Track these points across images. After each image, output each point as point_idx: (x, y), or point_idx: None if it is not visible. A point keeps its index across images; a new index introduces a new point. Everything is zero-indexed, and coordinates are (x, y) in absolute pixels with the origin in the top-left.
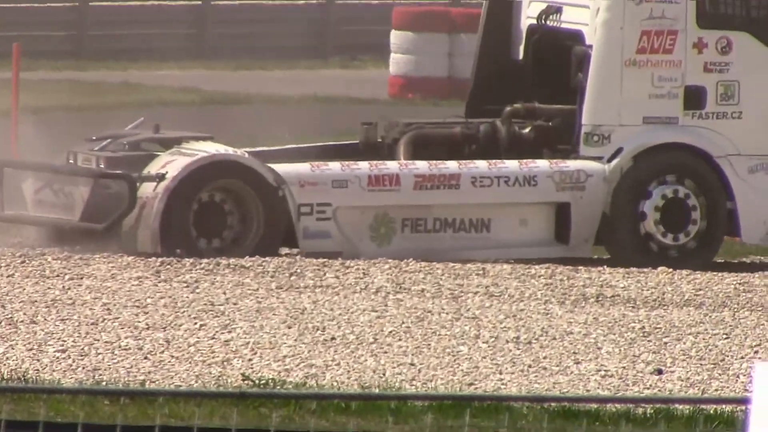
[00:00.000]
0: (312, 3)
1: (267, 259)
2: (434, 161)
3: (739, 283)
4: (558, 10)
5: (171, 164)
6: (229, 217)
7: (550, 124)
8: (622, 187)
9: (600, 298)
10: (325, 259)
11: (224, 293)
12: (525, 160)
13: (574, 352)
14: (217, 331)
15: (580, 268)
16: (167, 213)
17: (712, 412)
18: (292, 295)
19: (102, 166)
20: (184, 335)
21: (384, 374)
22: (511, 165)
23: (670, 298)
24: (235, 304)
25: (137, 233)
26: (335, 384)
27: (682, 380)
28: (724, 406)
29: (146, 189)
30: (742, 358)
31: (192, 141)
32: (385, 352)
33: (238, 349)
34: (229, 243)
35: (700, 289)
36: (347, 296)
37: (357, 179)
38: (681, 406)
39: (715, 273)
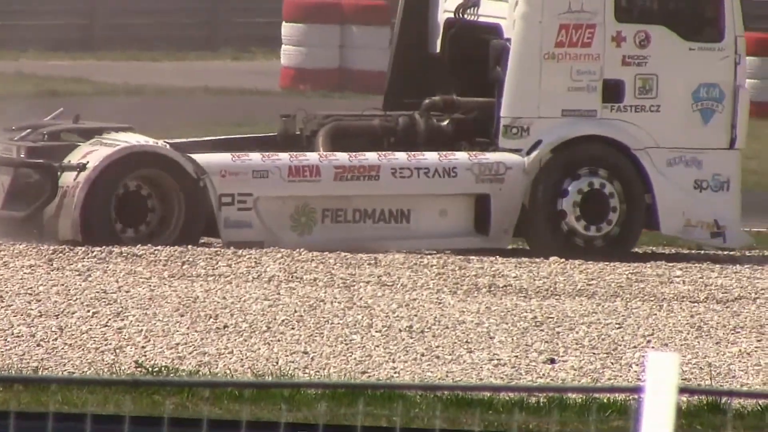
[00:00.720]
0: None
1: (159, 247)
2: (354, 153)
3: (632, 273)
4: (475, 4)
5: (92, 154)
6: (150, 207)
7: (469, 117)
8: (540, 179)
9: (492, 288)
10: (217, 248)
11: (117, 281)
12: (445, 152)
13: (467, 341)
14: (109, 319)
15: (472, 258)
16: (88, 202)
17: (605, 401)
18: (184, 283)
19: (23, 155)
20: (76, 323)
21: (277, 362)
22: (430, 156)
23: (562, 288)
24: (127, 291)
25: (58, 222)
26: (228, 372)
27: (575, 369)
28: (617, 395)
29: (67, 178)
30: (634, 347)
31: (112, 132)
32: (278, 341)
33: (131, 336)
34: (151, 232)
35: (593, 279)
36: (240, 285)
37: (277, 170)
38: (574, 395)
39: (607, 263)
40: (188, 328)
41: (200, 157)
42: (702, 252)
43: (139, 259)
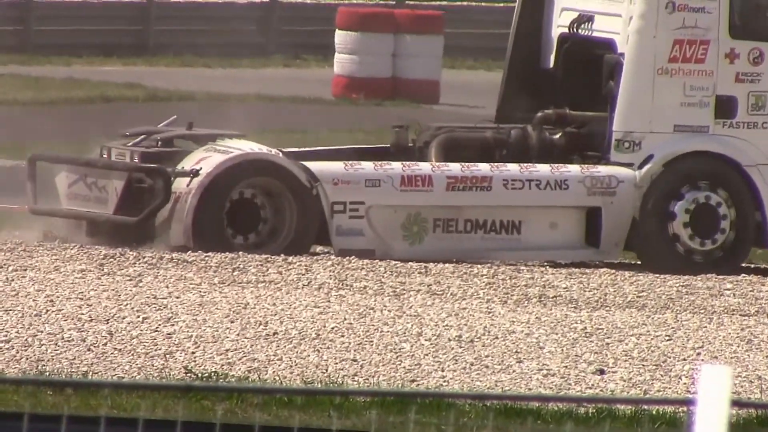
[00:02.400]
0: (256, 2)
1: (210, 254)
2: (466, 163)
3: (682, 286)
4: (590, 19)
5: (205, 161)
6: (262, 214)
7: (581, 130)
8: (652, 194)
9: (542, 298)
10: (267, 255)
11: (167, 287)
12: (556, 165)
13: (516, 351)
14: (159, 324)
15: (522, 268)
16: (200, 208)
17: (654, 412)
18: (234, 289)
19: (136, 160)
20: (127, 327)
21: (326, 369)
22: (542, 169)
23: (612, 300)
24: (177, 297)
25: (170, 227)
26: (277, 378)
27: (624, 381)
28: (666, 407)
29: (180, 184)
30: (684, 359)
31: (226, 138)
32: (328, 348)
33: (181, 342)
34: (263, 240)
35: (643, 291)
36: (290, 292)
37: (390, 179)
38: (623, 407)
39: (657, 275)
40: (238, 334)
41: (313, 166)
42: None
43: (189, 265)
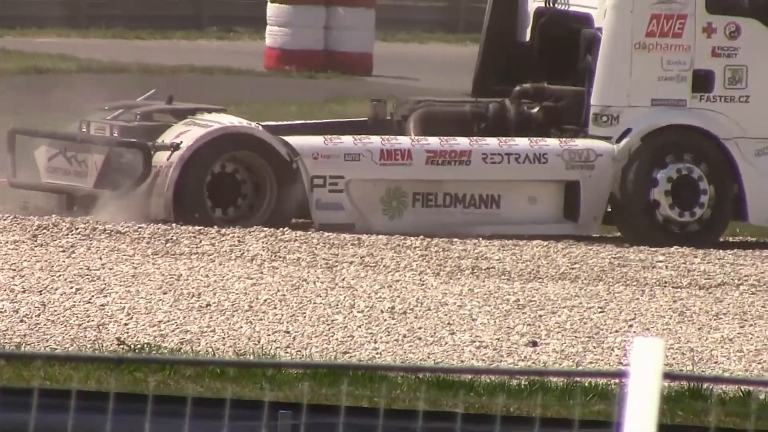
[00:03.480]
0: None
1: (143, 225)
2: (445, 137)
3: (614, 257)
4: None
5: (185, 134)
6: (242, 188)
7: (558, 104)
8: (630, 167)
9: (475, 270)
10: (200, 227)
11: (100, 258)
12: (535, 139)
13: (449, 323)
14: (93, 296)
15: (455, 240)
16: (181, 182)
17: (587, 384)
18: (167, 261)
19: (116, 134)
20: (59, 299)
21: (259, 341)
22: (521, 143)
23: (545, 271)
24: (111, 269)
25: (150, 201)
26: (210, 350)
27: (557, 352)
28: (599, 379)
29: (160, 158)
30: (616, 331)
31: (205, 113)
32: (261, 320)
33: (114, 313)
34: (243, 213)
35: (575, 263)
36: (223, 263)
37: (369, 153)
38: (556, 379)
39: (590, 247)
40: (171, 306)
41: (293, 140)
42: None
43: (122, 237)
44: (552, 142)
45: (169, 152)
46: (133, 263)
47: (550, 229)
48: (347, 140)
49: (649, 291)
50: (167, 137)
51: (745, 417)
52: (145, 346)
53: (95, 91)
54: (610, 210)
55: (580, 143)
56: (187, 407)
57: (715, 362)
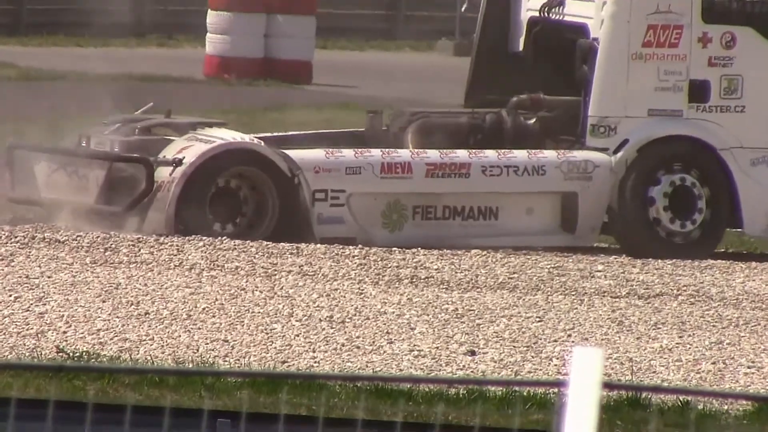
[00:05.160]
0: None
1: (81, 233)
2: (445, 150)
3: (553, 267)
4: (560, 3)
5: (188, 150)
6: (244, 204)
7: (554, 115)
8: (628, 178)
9: (414, 279)
10: (139, 236)
11: (39, 266)
12: (533, 150)
13: (388, 332)
14: (31, 304)
15: (394, 249)
16: (183, 197)
17: (525, 394)
18: (106, 269)
19: (116, 149)
20: None
21: (198, 350)
22: (519, 155)
23: (483, 281)
24: (49, 277)
25: (152, 216)
26: (149, 358)
27: (495, 362)
28: (537, 389)
29: (162, 173)
30: (554, 341)
31: (206, 127)
32: (199, 329)
33: (53, 321)
34: (245, 229)
35: (514, 273)
36: (161, 272)
37: (370, 166)
38: (494, 388)
39: (528, 257)
40: (110, 314)
41: (294, 154)
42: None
43: (61, 245)
44: (550, 154)
45: (172, 168)
46: (72, 271)
47: (547, 240)
48: (348, 154)
49: (587, 301)
50: (169, 152)
51: (684, 427)
52: (84, 354)
53: (35, 100)
54: (606, 221)
55: (578, 155)
56: (126, 415)
57: (654, 372)
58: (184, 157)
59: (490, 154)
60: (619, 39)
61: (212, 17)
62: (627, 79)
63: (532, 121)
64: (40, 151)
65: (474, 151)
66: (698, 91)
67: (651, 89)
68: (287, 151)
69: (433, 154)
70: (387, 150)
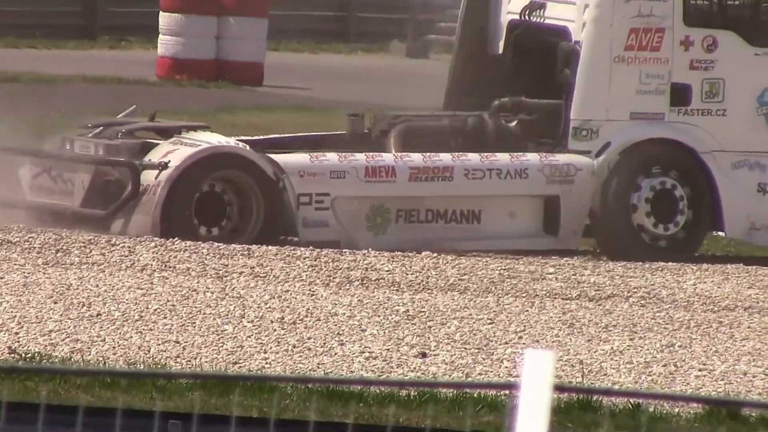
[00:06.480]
0: None
1: (33, 235)
2: (428, 153)
3: (504, 269)
4: (541, 6)
5: (173, 153)
6: (229, 207)
7: (536, 118)
8: (610, 181)
9: (365, 281)
10: (91, 236)
11: None
12: (516, 154)
13: (339, 334)
14: None
15: (345, 251)
16: (169, 201)
17: (476, 396)
18: (58, 270)
19: (101, 153)
20: None
21: (149, 351)
22: (502, 158)
23: (434, 282)
24: (1, 278)
25: (138, 220)
26: (101, 360)
27: (446, 364)
28: (488, 391)
29: (148, 177)
30: (506, 343)
31: (190, 131)
32: (151, 330)
33: (5, 322)
34: (230, 232)
35: (465, 274)
36: (113, 273)
37: (354, 170)
38: (446, 390)
39: (479, 258)
40: (61, 315)
41: (279, 158)
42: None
43: (13, 246)
44: (532, 157)
45: (157, 171)
46: (24, 272)
47: (530, 243)
48: (332, 157)
49: (538, 303)
50: (155, 156)
51: (635, 429)
52: (36, 355)
53: None
54: (588, 223)
55: (560, 158)
56: (78, 416)
57: (605, 374)
58: (169, 161)
59: (473, 157)
60: (602, 42)
61: (164, 19)
62: (609, 83)
63: (514, 124)
64: (26, 155)
65: (457, 154)
66: (680, 95)
67: (633, 92)
68: (272, 155)
69: (416, 158)
70: (371, 154)
